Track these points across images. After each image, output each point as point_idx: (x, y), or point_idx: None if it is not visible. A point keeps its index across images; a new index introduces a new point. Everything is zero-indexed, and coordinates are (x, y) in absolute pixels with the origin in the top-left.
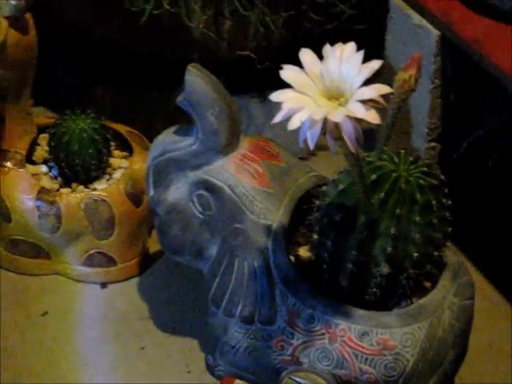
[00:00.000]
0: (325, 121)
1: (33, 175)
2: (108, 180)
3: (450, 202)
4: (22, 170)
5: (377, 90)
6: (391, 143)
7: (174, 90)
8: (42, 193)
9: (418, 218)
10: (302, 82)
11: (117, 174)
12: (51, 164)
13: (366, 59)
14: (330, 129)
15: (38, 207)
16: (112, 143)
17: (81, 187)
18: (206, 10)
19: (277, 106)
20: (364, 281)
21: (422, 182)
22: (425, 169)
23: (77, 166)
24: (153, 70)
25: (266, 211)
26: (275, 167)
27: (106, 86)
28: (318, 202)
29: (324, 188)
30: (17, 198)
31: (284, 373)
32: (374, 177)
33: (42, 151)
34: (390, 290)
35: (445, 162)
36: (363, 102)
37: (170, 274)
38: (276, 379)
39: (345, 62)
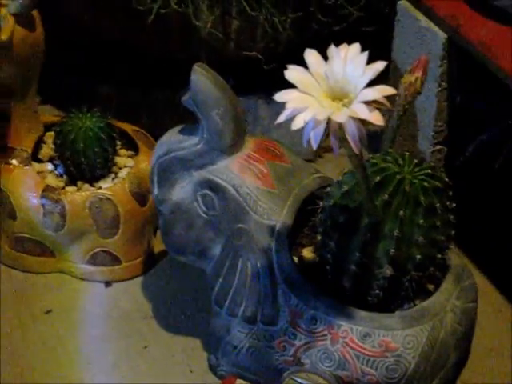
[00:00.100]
0: (328, 121)
1: (38, 173)
2: (113, 179)
3: (454, 205)
4: (27, 167)
5: (381, 92)
6: (397, 146)
7: (180, 89)
8: (47, 191)
9: (421, 221)
10: (306, 83)
11: (122, 173)
12: (57, 162)
13: (373, 61)
14: (333, 129)
15: (42, 205)
16: (118, 142)
17: (86, 186)
18: (213, 10)
19: (283, 107)
20: (367, 282)
21: (426, 184)
22: (429, 171)
23: (82, 165)
24: (160, 70)
25: (270, 211)
26: (280, 168)
27: (113, 85)
28: (322, 203)
29: (328, 189)
30: (22, 195)
31: (285, 373)
32: (378, 178)
33: (47, 149)
34: (392, 292)
35: (451, 165)
36: (367, 103)
37: (175, 273)
38: (278, 380)
39: (349, 63)
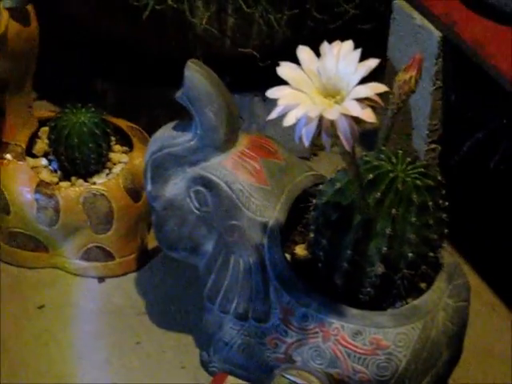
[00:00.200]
0: (321, 118)
1: (32, 168)
2: (108, 174)
3: (446, 204)
4: (21, 162)
5: (373, 89)
6: (392, 144)
7: (176, 86)
8: (40, 186)
9: (413, 219)
10: (298, 79)
11: (116, 169)
12: (51, 157)
13: (368, 59)
14: (325, 126)
15: (36, 200)
16: (112, 138)
17: (80, 181)
18: (209, 7)
19: None
20: (359, 280)
21: (418, 182)
22: (422, 170)
23: (76, 160)
24: (155, 66)
25: (263, 208)
26: (273, 165)
27: (108, 82)
28: (314, 201)
29: (321, 187)
30: (16, 190)
31: (277, 370)
32: (370, 176)
33: (42, 144)
34: (384, 289)
35: (445, 164)
36: (359, 100)
37: (168, 270)
38: (269, 377)
39: (342, 60)
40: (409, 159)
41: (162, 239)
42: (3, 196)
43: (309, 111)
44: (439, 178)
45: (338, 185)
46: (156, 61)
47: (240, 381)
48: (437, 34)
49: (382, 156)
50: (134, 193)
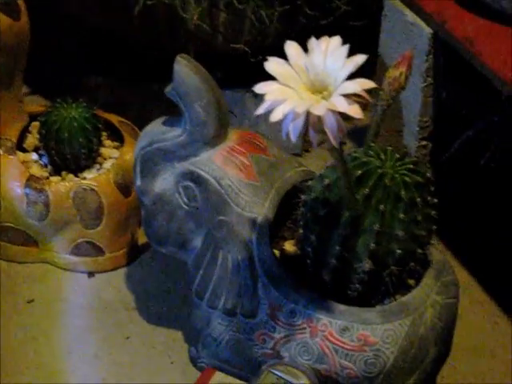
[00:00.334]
0: (308, 114)
1: (23, 162)
2: (98, 170)
3: (435, 200)
4: (12, 157)
5: (361, 85)
6: (383, 141)
7: (167, 81)
8: (31, 180)
9: (402, 215)
10: (286, 75)
11: (107, 164)
12: (42, 152)
13: (356, 55)
14: (312, 122)
15: (26, 194)
16: (103, 133)
17: (70, 176)
18: (200, 2)
19: None
20: (347, 276)
21: (407, 179)
22: (411, 166)
23: (67, 155)
24: (147, 62)
25: (252, 204)
26: (262, 161)
27: (100, 77)
28: (303, 197)
29: (310, 183)
30: (6, 184)
31: (264, 366)
32: (359, 172)
33: (33, 139)
34: (372, 286)
35: (436, 161)
36: (347, 96)
37: (158, 265)
38: (257, 372)
39: (329, 56)
40: (397, 155)
41: (151, 234)
42: None
43: (296, 107)
44: (428, 174)
45: (327, 181)
46: (148, 56)
47: (228, 376)
48: (427, 30)
49: (371, 152)
50: (125, 188)
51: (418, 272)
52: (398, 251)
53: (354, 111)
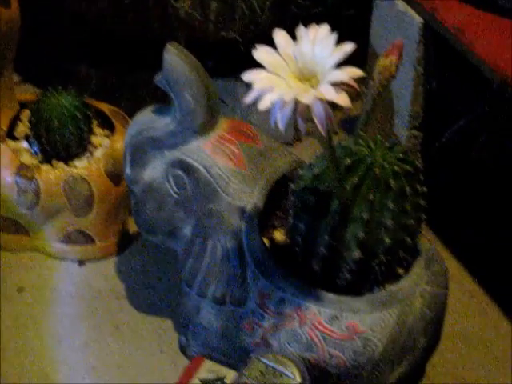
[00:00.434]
0: (296, 102)
1: (13, 151)
2: (89, 158)
3: (425, 190)
4: (2, 145)
5: (349, 73)
6: (374, 130)
7: (158, 70)
8: (21, 169)
9: (391, 204)
10: (274, 63)
11: (98, 153)
12: (32, 140)
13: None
14: (300, 111)
15: (16, 183)
16: (94, 121)
17: (61, 164)
18: None
19: None
20: (336, 265)
21: (396, 168)
22: (400, 155)
23: (57, 143)
24: (139, 50)
25: (241, 193)
26: (252, 149)
27: (92, 66)
28: (293, 186)
29: (299, 172)
30: None
31: (253, 354)
32: (348, 161)
33: (23, 127)
34: (361, 275)
35: (427, 151)
36: (335, 84)
37: (148, 254)
38: (246, 361)
39: (318, 44)
40: (387, 145)
41: (141, 223)
42: None
43: (283, 95)
44: (417, 163)
45: (316, 170)
46: (139, 45)
47: (217, 364)
48: (418, 20)
49: (361, 141)
50: (115, 176)
51: (407, 261)
52: (387, 240)
53: (342, 99)
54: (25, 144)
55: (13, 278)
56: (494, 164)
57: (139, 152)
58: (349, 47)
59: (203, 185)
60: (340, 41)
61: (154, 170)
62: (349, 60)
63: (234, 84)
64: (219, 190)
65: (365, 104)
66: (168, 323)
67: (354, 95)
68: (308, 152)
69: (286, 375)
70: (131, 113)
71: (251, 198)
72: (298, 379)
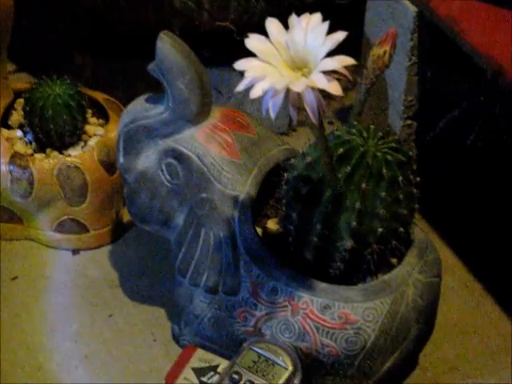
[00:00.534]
0: (288, 91)
1: (7, 139)
2: (83, 147)
3: (418, 179)
4: None
5: (340, 62)
6: (368, 120)
7: (152, 59)
8: (15, 157)
9: (383, 194)
10: (266, 52)
11: (92, 142)
12: (26, 129)
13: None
14: (292, 99)
15: (10, 171)
16: (88, 110)
17: (55, 153)
18: None
19: None
20: (328, 254)
21: (389, 157)
22: (393, 144)
23: (51, 132)
24: (133, 39)
25: (234, 182)
26: (245, 138)
27: (86, 55)
28: (286, 175)
29: (292, 161)
30: None
31: (245, 343)
32: (341, 150)
33: (17, 116)
34: (354, 264)
35: (421, 140)
36: (327, 73)
37: (142, 243)
38: (238, 350)
39: (310, 33)
40: (380, 134)
41: (134, 212)
42: None
43: (275, 83)
44: (410, 153)
45: (309, 159)
46: (134, 34)
47: (209, 353)
48: (412, 9)
49: (354, 130)
50: (109, 165)
51: (400, 251)
52: (380, 230)
53: (334, 88)
54: (19, 133)
55: (6, 267)
56: (488, 153)
57: (132, 141)
58: (341, 35)
59: (196, 174)
60: (334, 30)
61: (148, 159)
62: (343, 49)
63: (230, 74)
64: (212, 178)
65: (358, 93)
66: (161, 312)
67: (347, 84)
68: (303, 142)
69: (279, 364)
70: (125, 102)
71: (244, 186)
72: (290, 368)
